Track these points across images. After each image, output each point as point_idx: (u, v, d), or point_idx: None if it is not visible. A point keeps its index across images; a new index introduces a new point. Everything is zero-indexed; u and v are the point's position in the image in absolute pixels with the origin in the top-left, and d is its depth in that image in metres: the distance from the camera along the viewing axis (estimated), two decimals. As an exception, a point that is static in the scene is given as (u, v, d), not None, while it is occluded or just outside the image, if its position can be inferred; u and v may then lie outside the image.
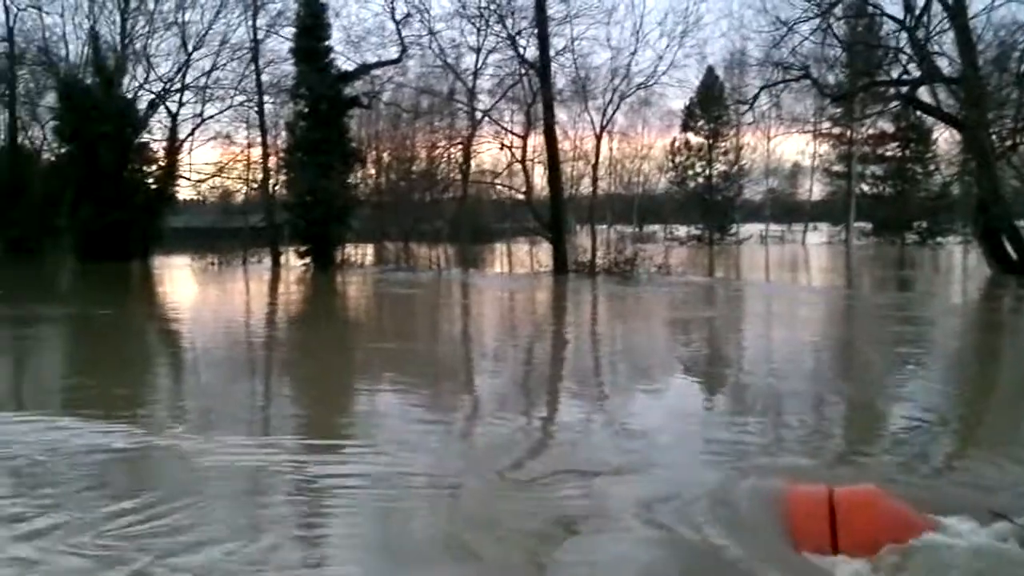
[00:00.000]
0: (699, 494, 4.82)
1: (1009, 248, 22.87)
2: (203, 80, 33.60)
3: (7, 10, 34.16)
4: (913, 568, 3.70)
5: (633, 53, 28.70)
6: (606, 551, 4.27)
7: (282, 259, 30.75)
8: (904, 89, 25.37)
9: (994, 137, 23.08)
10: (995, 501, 4.50)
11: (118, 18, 32.86)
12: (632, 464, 5.72)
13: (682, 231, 49.97)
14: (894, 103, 29.22)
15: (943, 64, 24.08)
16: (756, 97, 27.08)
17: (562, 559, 4.21)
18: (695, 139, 49.05)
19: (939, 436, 6.75)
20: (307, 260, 29.09)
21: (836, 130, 46.26)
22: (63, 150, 33.74)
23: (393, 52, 30.61)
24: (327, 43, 29.27)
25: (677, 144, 49.02)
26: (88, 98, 30.94)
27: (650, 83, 29.41)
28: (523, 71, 27.94)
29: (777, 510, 4.18)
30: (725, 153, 49.07)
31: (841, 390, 8.77)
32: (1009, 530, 3.98)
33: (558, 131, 27.84)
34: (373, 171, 35.19)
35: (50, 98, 35.39)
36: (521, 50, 27.84)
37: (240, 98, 33.29)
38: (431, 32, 29.38)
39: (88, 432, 6.45)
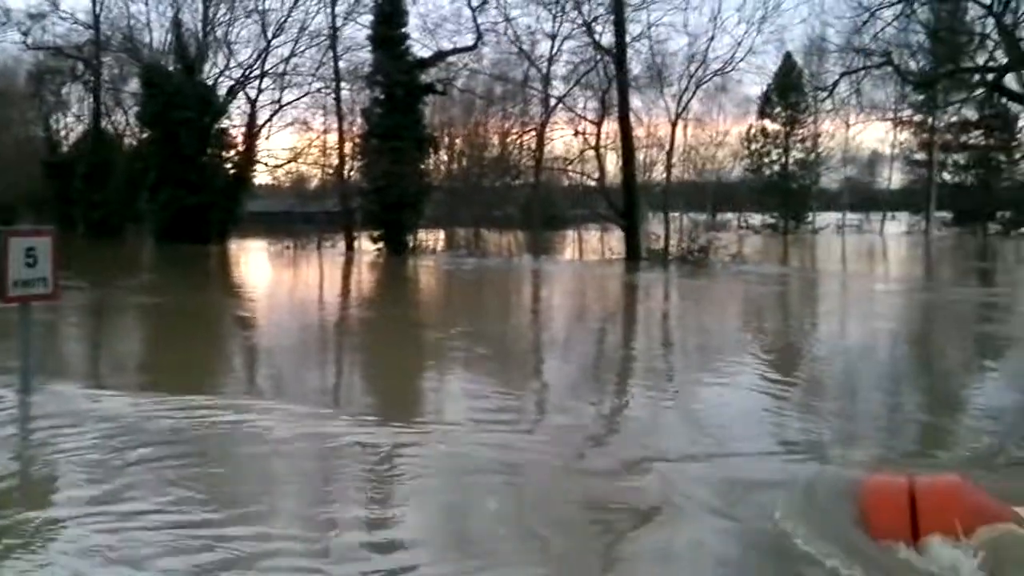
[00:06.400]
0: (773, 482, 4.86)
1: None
2: (282, 67, 34.29)
3: (94, -2, 35.06)
4: (1012, 552, 3.57)
5: (711, 39, 28.59)
6: (678, 541, 4.29)
7: (355, 244, 31.16)
8: (990, 76, 24.49)
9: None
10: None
11: (200, 6, 33.59)
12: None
13: (756, 219, 49.18)
14: (979, 90, 28.19)
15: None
16: (836, 84, 26.40)
17: (633, 550, 4.25)
18: (772, 126, 48.10)
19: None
20: (380, 245, 29.44)
21: (917, 118, 44.81)
22: (145, 135, 34.68)
23: (469, 39, 30.99)
24: (404, 30, 29.54)
25: (753, 131, 48.16)
26: (170, 84, 31.71)
27: (727, 69, 29.39)
28: (598, 57, 27.93)
29: (854, 499, 4.08)
30: (802, 140, 48.04)
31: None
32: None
33: (632, 118, 27.77)
34: (446, 157, 35.40)
35: (133, 84, 36.47)
36: (597, 36, 27.89)
37: (317, 85, 33.96)
38: (507, 19, 29.76)
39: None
